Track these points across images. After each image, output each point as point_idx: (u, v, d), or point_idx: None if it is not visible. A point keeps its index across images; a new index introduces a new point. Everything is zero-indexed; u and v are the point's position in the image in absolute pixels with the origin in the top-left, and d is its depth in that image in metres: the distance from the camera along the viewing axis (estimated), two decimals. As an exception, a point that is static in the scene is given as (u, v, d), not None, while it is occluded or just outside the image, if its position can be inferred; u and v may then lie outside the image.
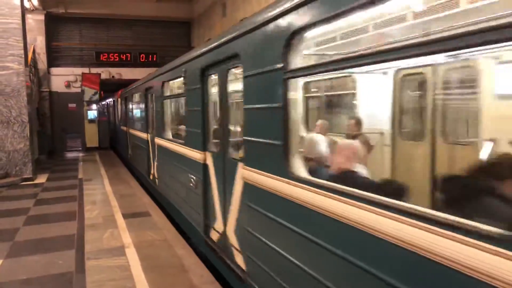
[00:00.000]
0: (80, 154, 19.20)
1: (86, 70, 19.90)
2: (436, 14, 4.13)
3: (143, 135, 10.73)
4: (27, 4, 16.33)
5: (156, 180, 9.20)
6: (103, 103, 24.92)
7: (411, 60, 4.25)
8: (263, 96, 3.49)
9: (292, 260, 3.10)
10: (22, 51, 12.05)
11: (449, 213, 1.85)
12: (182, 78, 6.30)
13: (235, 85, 4.69)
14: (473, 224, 1.73)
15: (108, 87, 21.26)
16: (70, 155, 19.27)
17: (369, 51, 2.32)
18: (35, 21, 18.94)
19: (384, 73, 5.67)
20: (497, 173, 2.51)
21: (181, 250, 5.86)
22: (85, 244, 6.21)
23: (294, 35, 3.00)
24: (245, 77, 3.86)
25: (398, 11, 4.15)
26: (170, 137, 7.94)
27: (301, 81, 4.90)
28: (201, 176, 5.46)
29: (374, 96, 5.91)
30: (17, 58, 11.99)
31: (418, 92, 5.49)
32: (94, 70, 19.92)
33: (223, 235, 4.87)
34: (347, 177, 3.26)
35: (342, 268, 2.52)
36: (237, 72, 4.46)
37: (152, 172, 9.82)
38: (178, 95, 7.54)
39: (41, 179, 12.50)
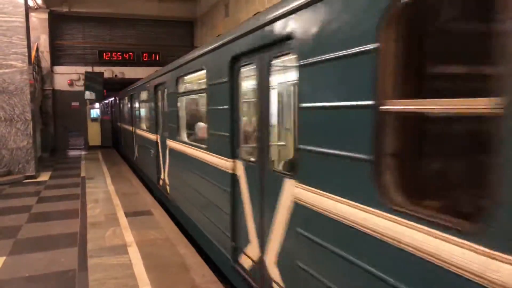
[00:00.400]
0: (83, 153, 19.26)
1: (89, 68, 19.97)
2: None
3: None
4: (30, 3, 16.36)
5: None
6: (106, 101, 24.90)
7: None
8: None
9: None
10: (26, 50, 12.05)
11: None
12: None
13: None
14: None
15: (111, 86, 21.27)
16: (72, 153, 19.33)
17: None
18: (39, 19, 19.02)
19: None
20: None
21: (183, 249, 5.86)
22: (87, 242, 6.22)
23: None
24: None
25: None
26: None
27: None
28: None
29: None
30: (20, 56, 11.99)
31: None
32: (97, 69, 19.99)
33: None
34: None
35: None
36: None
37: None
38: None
39: (44, 177, 12.52)
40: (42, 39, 19.10)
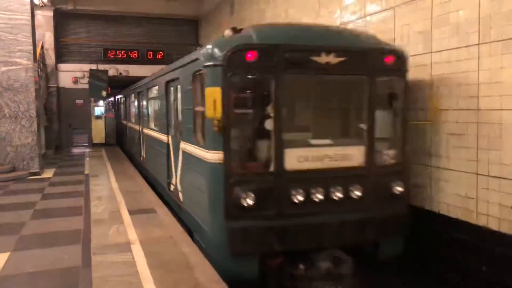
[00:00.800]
0: (87, 150, 19.26)
1: (93, 66, 19.82)
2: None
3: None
4: (36, 1, 16.37)
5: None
6: (111, 99, 24.87)
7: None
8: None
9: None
10: (31, 47, 12.08)
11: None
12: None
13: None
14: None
15: (116, 84, 21.27)
16: (76, 150, 19.38)
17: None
18: (44, 17, 18.84)
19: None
20: None
21: (187, 248, 5.86)
22: (91, 239, 6.24)
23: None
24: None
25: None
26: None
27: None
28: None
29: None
30: (25, 54, 12.01)
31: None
32: (102, 67, 19.87)
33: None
34: None
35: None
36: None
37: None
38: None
39: (48, 173, 12.58)
40: (47, 37, 19.04)
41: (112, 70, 20.13)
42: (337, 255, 5.60)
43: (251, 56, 5.23)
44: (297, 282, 5.51)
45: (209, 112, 5.19)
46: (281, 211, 5.40)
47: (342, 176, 5.63)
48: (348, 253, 5.67)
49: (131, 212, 7.79)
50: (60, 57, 20.00)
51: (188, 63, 6.65)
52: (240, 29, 5.79)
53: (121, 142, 20.46)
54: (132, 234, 6.45)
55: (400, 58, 5.95)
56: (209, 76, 5.46)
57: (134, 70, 20.30)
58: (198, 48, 7.25)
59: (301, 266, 5.51)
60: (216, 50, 5.40)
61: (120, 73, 20.38)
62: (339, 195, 5.54)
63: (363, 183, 5.67)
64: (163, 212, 7.84)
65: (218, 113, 5.14)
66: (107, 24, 20.79)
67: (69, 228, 6.88)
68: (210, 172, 5.52)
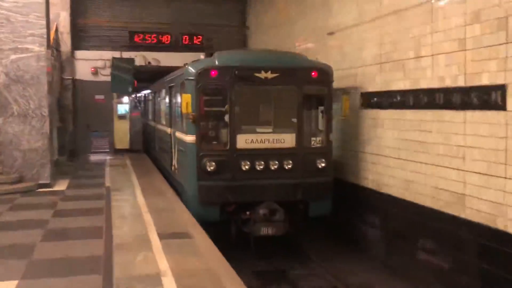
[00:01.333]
0: (108, 157, 19.80)
1: (117, 54, 20.14)
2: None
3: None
4: (50, -26, 16.88)
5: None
6: (137, 95, 25.00)
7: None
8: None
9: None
10: (44, 30, 12.52)
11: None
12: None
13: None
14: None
15: (143, 76, 21.48)
16: (95, 157, 19.93)
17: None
18: (58, -7, 19.40)
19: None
20: None
21: (229, 283, 5.89)
22: (113, 268, 6.40)
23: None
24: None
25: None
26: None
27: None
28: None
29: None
30: (38, 38, 12.44)
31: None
32: (127, 55, 20.23)
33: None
34: None
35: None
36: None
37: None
38: None
39: (61, 185, 13.06)
40: (61, 17, 19.58)
41: (139, 58, 20.52)
42: (273, 207, 10.18)
43: (213, 73, 10.28)
44: (244, 223, 10.43)
45: (183, 110, 10.24)
46: (234, 175, 10.28)
47: (277, 154, 10.45)
48: (285, 209, 10.32)
49: (161, 236, 7.92)
50: (77, 42, 20.48)
51: (179, 75, 12.29)
52: (212, 54, 11.48)
53: (149, 148, 20.79)
54: (162, 264, 6.55)
55: (324, 72, 10.93)
56: (186, 86, 10.82)
57: (166, 59, 20.61)
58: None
59: (247, 213, 10.32)
60: (191, 69, 10.71)
61: (149, 62, 20.74)
62: (275, 166, 10.35)
63: (293, 159, 10.46)
64: (201, 238, 7.96)
65: (189, 111, 10.08)
66: (133, 2, 21.24)
67: (86, 254, 7.10)
68: (188, 149, 10.79)
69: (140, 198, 11.22)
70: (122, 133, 22.48)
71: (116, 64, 19.52)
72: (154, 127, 18.70)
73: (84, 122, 20.70)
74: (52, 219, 9.28)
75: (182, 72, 11.54)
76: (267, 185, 10.29)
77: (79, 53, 20.53)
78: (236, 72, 10.23)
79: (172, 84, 13.61)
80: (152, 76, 20.36)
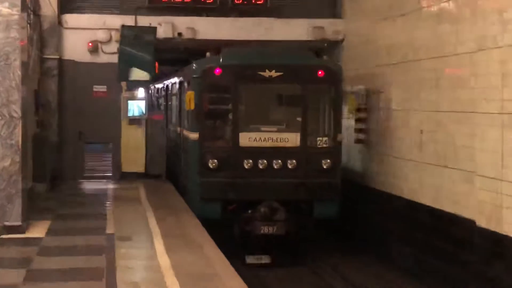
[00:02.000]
0: (110, 186, 16.68)
1: (129, 21, 16.35)
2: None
3: None
4: None
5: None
6: (159, 86, 21.13)
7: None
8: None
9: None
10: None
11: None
12: None
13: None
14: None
15: (170, 55, 18.79)
16: (90, 186, 16.76)
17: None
18: None
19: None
20: None
21: None
22: None
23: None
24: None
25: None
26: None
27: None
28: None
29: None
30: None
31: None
32: (144, 21, 16.29)
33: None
34: None
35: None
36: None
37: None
38: None
39: (38, 230, 11.04)
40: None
41: (165, 27, 16.61)
42: (274, 206, 11.97)
43: (218, 71, 12.55)
44: (245, 221, 12.37)
45: (186, 106, 13.55)
46: (236, 173, 12.35)
47: (280, 153, 12.45)
48: (289, 209, 12.40)
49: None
50: (67, 2, 16.77)
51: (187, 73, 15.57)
52: (218, 52, 13.61)
53: (176, 173, 17.13)
54: None
55: (332, 71, 12.96)
56: (193, 84, 13.37)
57: (207, 28, 16.97)
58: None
59: (249, 211, 12.35)
60: (197, 68, 13.32)
61: (179, 34, 16.90)
62: (278, 165, 12.29)
63: (296, 158, 12.42)
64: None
65: (192, 107, 12.96)
66: None
67: None
68: (191, 145, 13.46)
69: (162, 255, 9.21)
70: (134, 147, 17.87)
71: (127, 35, 16.04)
72: (181, 134, 16.36)
73: (74, 128, 16.74)
74: (24, 285, 7.34)
75: (189, 71, 14.25)
76: (268, 184, 12.11)
77: (70, 18, 16.57)
78: (241, 70, 12.46)
79: (182, 80, 15.93)
80: (183, 57, 18.19)
